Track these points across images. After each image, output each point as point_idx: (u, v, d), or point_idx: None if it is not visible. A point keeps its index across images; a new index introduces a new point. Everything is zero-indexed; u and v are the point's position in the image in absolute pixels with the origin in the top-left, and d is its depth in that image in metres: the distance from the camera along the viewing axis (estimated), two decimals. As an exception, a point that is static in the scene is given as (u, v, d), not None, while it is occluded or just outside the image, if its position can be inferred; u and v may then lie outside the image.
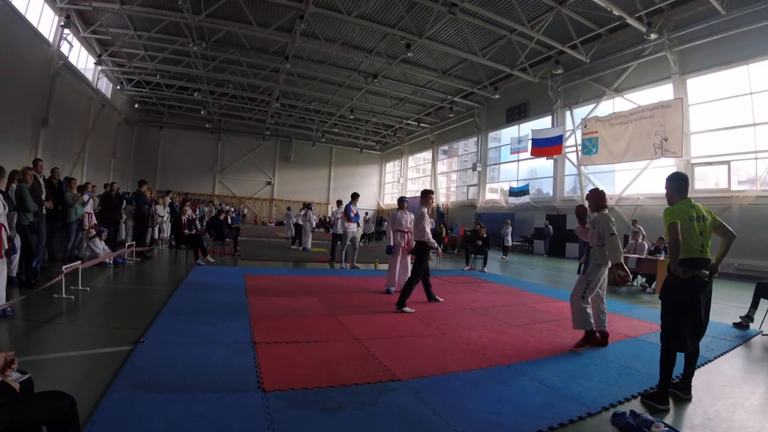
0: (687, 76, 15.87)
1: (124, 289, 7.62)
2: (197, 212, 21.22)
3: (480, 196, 27.93)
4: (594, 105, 19.69)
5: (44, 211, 8.31)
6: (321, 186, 41.51)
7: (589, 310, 4.99)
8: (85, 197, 9.64)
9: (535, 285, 10.38)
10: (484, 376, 3.87)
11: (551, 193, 22.53)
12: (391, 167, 43.18)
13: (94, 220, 10.34)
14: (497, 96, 23.66)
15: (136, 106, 31.62)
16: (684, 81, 15.92)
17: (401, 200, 8.67)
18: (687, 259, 3.49)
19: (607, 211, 5.23)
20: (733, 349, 5.27)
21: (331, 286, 8.43)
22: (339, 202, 12.85)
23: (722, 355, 4.97)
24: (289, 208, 24.12)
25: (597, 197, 5.32)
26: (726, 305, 7.84)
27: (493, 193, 28.10)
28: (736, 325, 6.46)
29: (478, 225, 14.41)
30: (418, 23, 17.61)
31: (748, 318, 6.41)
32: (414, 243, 7.33)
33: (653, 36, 15.04)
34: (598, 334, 5.02)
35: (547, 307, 7.41)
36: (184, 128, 36.71)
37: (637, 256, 10.52)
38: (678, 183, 3.81)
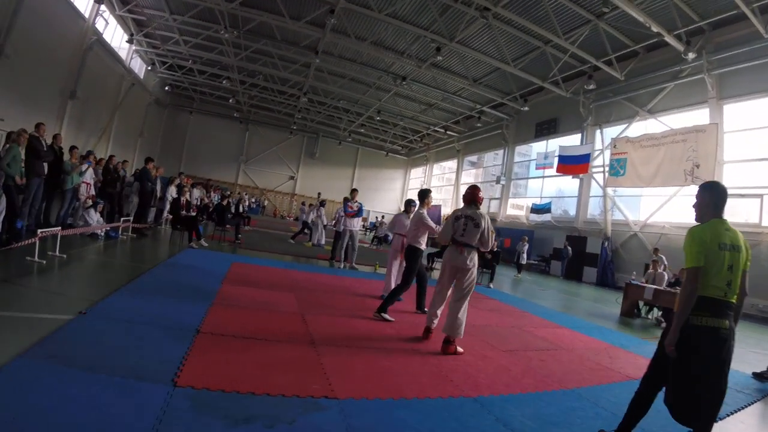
0: (724, 101, 14.97)
1: (101, 261, 7.41)
2: (213, 198, 20.94)
3: (501, 211, 27.12)
4: (626, 125, 18.85)
5: (43, 175, 8.39)
6: (344, 185, 40.97)
7: (433, 307, 5.25)
8: (84, 166, 9.56)
9: (540, 307, 9.63)
10: (439, 407, 3.26)
11: (574, 214, 21.63)
12: (416, 173, 42.56)
13: (93, 191, 10.20)
14: (526, 108, 22.89)
15: (166, 88, 31.91)
16: (721, 106, 15.02)
17: (408, 203, 8.09)
18: (705, 300, 2.60)
19: (465, 207, 5.20)
20: (750, 405, 4.50)
21: (317, 284, 7.93)
22: (345, 199, 12.41)
23: (737, 411, 4.21)
24: (303, 203, 23.88)
25: (466, 193, 5.30)
26: (746, 350, 7.00)
27: (516, 209, 27.28)
28: (756, 375, 5.59)
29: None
30: (450, 27, 17.19)
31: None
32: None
33: (691, 56, 14.25)
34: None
35: (546, 332, 6.71)
36: (213, 115, 36.88)
37: (654, 286, 9.68)
38: (715, 195, 2.86)
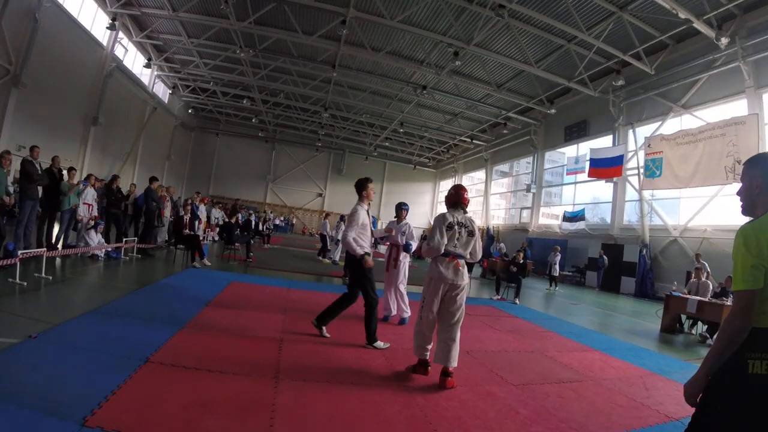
0: (763, 90, 13.67)
1: (88, 283, 7.06)
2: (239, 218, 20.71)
3: (533, 220, 25.91)
4: (659, 123, 17.56)
5: (37, 198, 8.34)
6: (373, 202, 40.51)
7: (424, 333, 4.25)
8: (80, 187, 9.45)
9: (569, 325, 8.55)
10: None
11: (609, 220, 20.33)
12: (445, 185, 41.52)
13: (95, 212, 10.03)
14: (554, 111, 21.89)
15: (190, 111, 32.39)
16: (760, 95, 13.71)
17: (399, 207, 7.35)
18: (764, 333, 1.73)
19: (453, 211, 4.40)
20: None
21: (316, 305, 7.17)
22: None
23: None
24: (326, 217, 23.59)
25: (449, 194, 4.56)
26: None
27: (548, 218, 26.06)
28: None
29: (517, 250, 12.79)
30: (467, 30, 16.51)
31: None
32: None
33: (724, 41, 13.01)
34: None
35: (571, 358, 5.75)
36: (239, 136, 37.31)
37: (698, 298, 8.54)
38: None
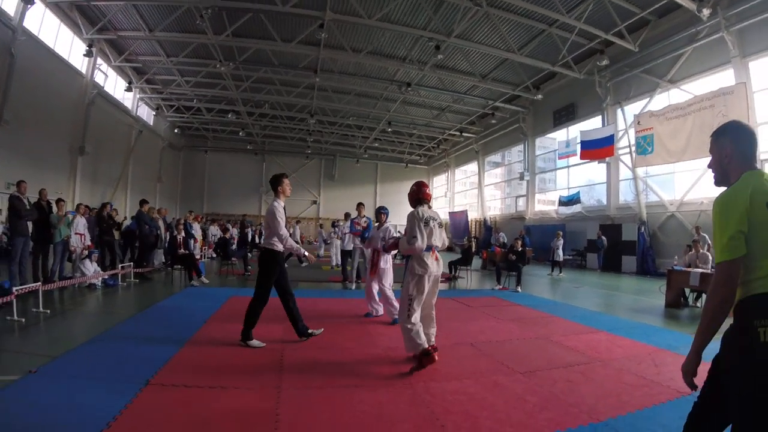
0: (749, 58, 13.59)
1: (86, 313, 6.97)
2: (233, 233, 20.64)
3: (529, 208, 25.88)
4: (647, 99, 17.49)
5: (27, 234, 8.23)
6: (367, 203, 39.93)
7: (418, 329, 4.31)
8: (69, 217, 9.34)
9: (573, 309, 8.49)
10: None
11: (605, 201, 20.31)
12: (439, 181, 41.66)
13: (88, 242, 9.93)
14: (540, 96, 21.80)
15: (176, 131, 32.24)
16: (746, 64, 13.64)
17: (378, 212, 7.38)
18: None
19: (422, 208, 4.57)
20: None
21: (317, 311, 7.15)
22: (347, 216, 11.74)
23: None
24: (321, 226, 23.68)
25: (411, 191, 4.75)
26: None
27: (545, 204, 26.02)
28: None
29: (515, 238, 12.74)
30: (446, 22, 16.41)
31: None
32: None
33: (706, 13, 12.91)
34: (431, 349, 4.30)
35: (577, 341, 5.70)
36: (228, 151, 37.10)
37: (700, 270, 8.49)
38: (741, 138, 1.93)
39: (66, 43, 17.42)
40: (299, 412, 3.18)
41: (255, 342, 5.00)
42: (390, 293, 6.66)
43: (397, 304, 6.66)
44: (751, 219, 1.71)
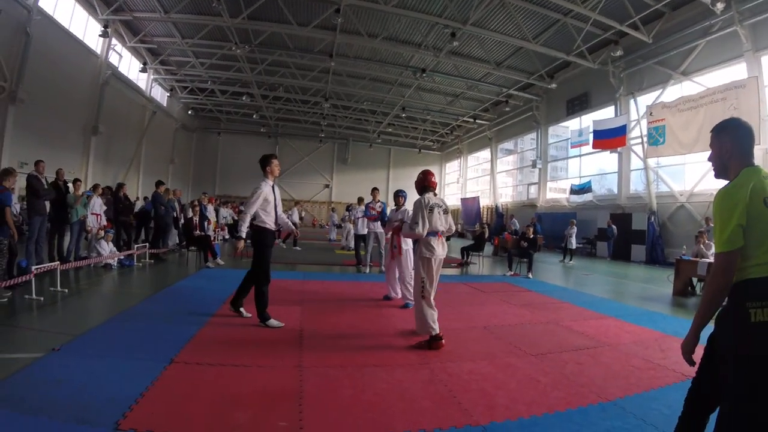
0: (761, 52, 13.55)
1: (103, 292, 7.11)
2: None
3: (540, 195, 25.86)
4: (660, 90, 17.40)
5: (45, 213, 8.24)
6: (380, 187, 40.24)
7: (434, 314, 4.54)
8: (86, 197, 9.46)
9: (583, 295, 8.64)
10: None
11: (615, 191, 20.30)
12: (451, 167, 41.64)
13: (104, 222, 10.05)
14: (554, 85, 21.76)
15: (189, 112, 32.31)
16: (758, 58, 13.60)
17: (396, 195, 7.49)
18: (766, 281, 1.80)
19: (428, 195, 4.86)
20: None
21: (331, 295, 7.36)
22: (360, 200, 11.89)
23: None
24: (333, 209, 23.89)
25: (418, 179, 5.04)
26: None
27: (556, 192, 26.01)
28: None
29: (527, 225, 12.87)
30: (462, 10, 16.37)
31: None
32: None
33: (720, 6, 12.87)
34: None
35: (586, 326, 5.83)
36: (241, 133, 37.17)
37: (708, 260, 8.56)
38: (740, 136, 2.10)
39: (81, 23, 17.51)
40: (322, 390, 3.32)
41: (273, 322, 5.14)
42: (410, 280, 6.61)
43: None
44: (750, 213, 1.85)
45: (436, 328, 4.54)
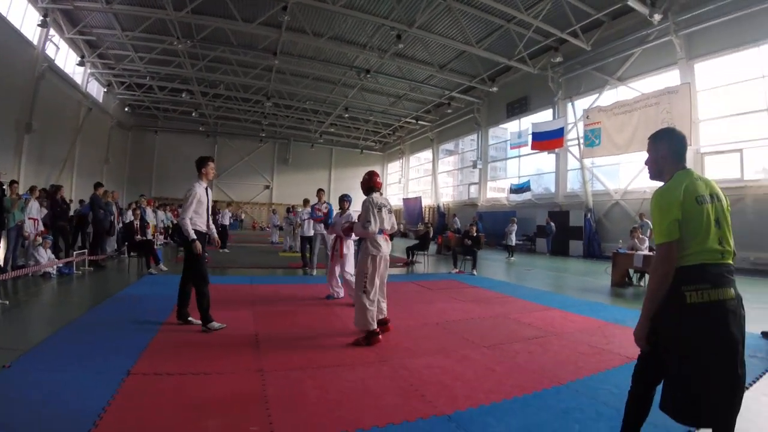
0: (694, 60, 14.66)
1: (46, 303, 6.75)
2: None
3: (481, 195, 26.73)
4: (597, 95, 18.48)
5: None
6: (321, 188, 40.10)
7: (373, 311, 4.75)
8: (23, 201, 8.83)
9: (527, 289, 9.09)
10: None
11: (553, 189, 21.32)
12: (393, 168, 42.06)
13: (41, 227, 9.47)
14: (495, 89, 22.54)
15: (126, 109, 30.83)
16: (691, 66, 14.71)
17: (341, 199, 7.55)
18: (700, 270, 2.06)
19: (375, 195, 5.11)
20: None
21: (282, 298, 7.28)
22: (306, 201, 11.85)
23: (755, 381, 3.72)
24: (274, 211, 23.68)
25: (364, 180, 5.28)
26: (748, 308, 6.42)
27: (496, 192, 26.94)
28: (766, 335, 5.10)
29: (469, 224, 13.28)
30: (409, 13, 16.62)
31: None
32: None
33: (657, 18, 13.88)
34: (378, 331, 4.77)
35: (533, 317, 6.17)
36: (179, 132, 35.75)
37: (644, 252, 9.28)
38: (674, 142, 2.33)
39: (19, 11, 16.27)
40: (287, 392, 3.32)
41: (215, 324, 5.10)
42: (352, 279, 6.71)
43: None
44: (684, 210, 2.10)
45: (374, 324, 4.73)
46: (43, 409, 2.89)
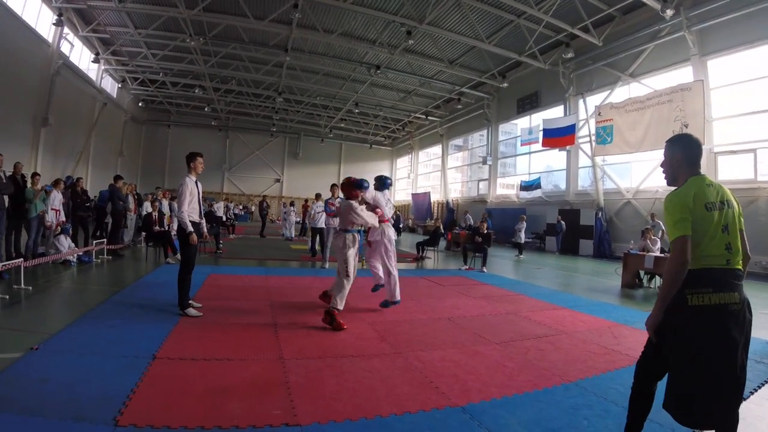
0: (707, 57, 14.42)
1: (68, 289, 6.96)
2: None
3: (491, 191, 26.66)
4: (608, 91, 18.30)
5: (3, 208, 7.83)
6: (330, 183, 40.05)
7: (346, 291, 5.29)
8: (45, 192, 9.13)
9: (537, 288, 9.15)
10: (419, 424, 2.81)
11: (564, 187, 21.24)
12: (402, 163, 42.11)
13: (62, 217, 9.73)
14: (505, 84, 22.57)
15: (140, 104, 31.34)
16: (704, 63, 14.48)
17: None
18: (703, 274, 2.17)
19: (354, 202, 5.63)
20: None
21: (297, 290, 7.45)
22: (318, 196, 12.02)
23: (760, 387, 3.74)
24: (284, 204, 23.85)
25: (344, 188, 5.84)
26: (756, 312, 6.47)
27: (505, 189, 26.91)
28: None
29: (479, 221, 13.34)
30: (419, 8, 16.72)
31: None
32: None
33: (669, 13, 13.69)
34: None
35: (543, 316, 6.26)
36: (191, 126, 36.26)
37: (655, 254, 9.28)
38: (689, 148, 2.41)
39: (34, 10, 16.72)
40: (307, 380, 3.47)
41: (192, 311, 5.39)
42: (395, 272, 6.36)
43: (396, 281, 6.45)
44: (693, 214, 2.20)
45: (342, 307, 5.19)
46: (72, 390, 3.02)
